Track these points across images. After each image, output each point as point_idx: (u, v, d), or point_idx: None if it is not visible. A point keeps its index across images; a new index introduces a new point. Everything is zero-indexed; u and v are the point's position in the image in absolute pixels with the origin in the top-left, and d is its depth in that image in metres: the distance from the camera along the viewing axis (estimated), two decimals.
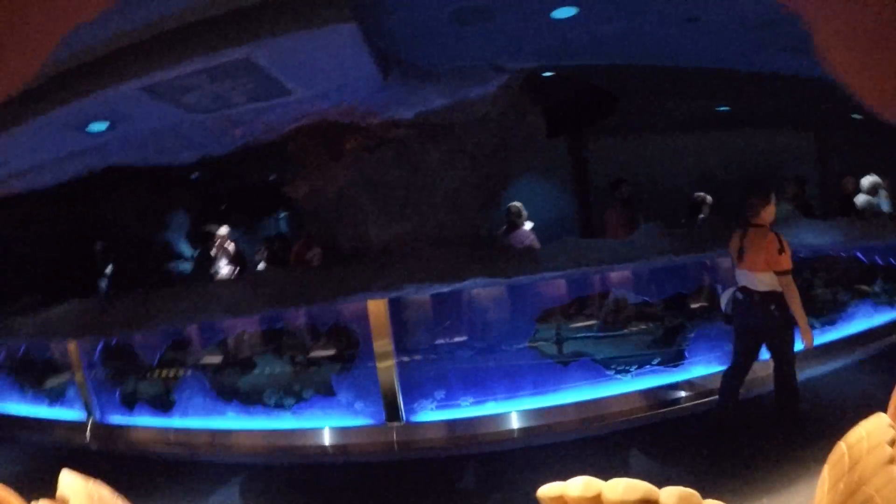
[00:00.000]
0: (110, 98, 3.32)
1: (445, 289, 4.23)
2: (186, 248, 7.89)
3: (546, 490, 0.42)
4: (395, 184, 4.14)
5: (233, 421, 4.75)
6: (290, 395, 4.52)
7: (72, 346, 5.47)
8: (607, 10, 3.74)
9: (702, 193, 5.25)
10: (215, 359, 4.57)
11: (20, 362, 6.06)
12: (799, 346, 3.50)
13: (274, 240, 6.57)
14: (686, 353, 4.58)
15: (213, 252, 5.89)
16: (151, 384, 4.91)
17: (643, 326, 4.37)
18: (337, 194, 4.18)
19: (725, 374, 3.74)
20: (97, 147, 4.13)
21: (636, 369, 4.58)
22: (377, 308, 4.27)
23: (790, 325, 3.44)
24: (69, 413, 5.77)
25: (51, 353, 5.82)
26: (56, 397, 5.82)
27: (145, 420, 5.16)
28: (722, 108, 6.89)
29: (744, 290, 3.56)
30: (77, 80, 3.39)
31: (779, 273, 3.36)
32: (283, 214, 8.17)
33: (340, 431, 4.46)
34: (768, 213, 3.50)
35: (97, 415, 5.53)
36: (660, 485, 0.47)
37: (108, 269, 8.03)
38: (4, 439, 5.95)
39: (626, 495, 0.42)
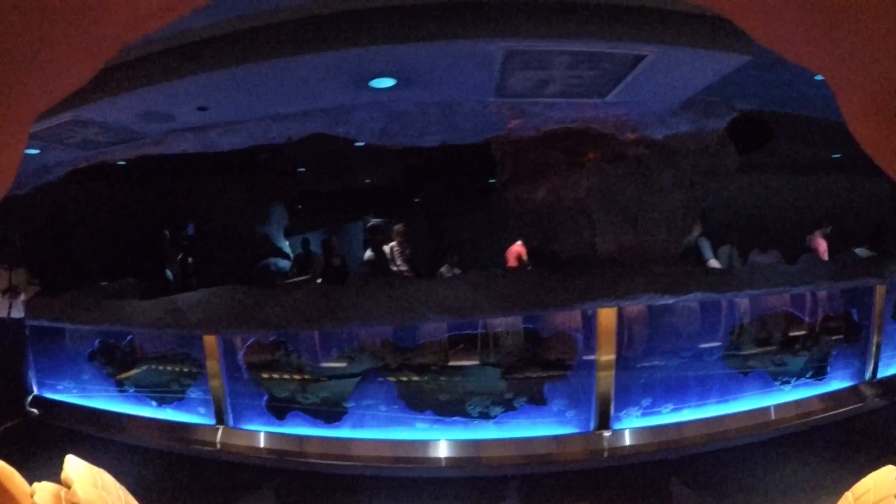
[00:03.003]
0: (431, 52, 2.60)
1: (671, 300, 3.98)
2: (285, 244, 6.65)
3: None
4: (629, 198, 3.82)
5: (422, 432, 4.04)
6: (498, 404, 3.92)
7: (211, 341, 4.31)
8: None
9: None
10: (411, 364, 3.80)
11: (119, 354, 4.62)
12: None
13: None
14: (828, 369, 4.78)
15: (388, 249, 4.96)
16: (318, 389, 3.97)
17: (802, 344, 4.48)
18: (574, 201, 3.75)
19: None
20: (330, 109, 3.26)
21: (795, 381, 4.67)
22: (607, 317, 3.87)
23: None
24: (186, 416, 4.52)
25: (168, 347, 4.51)
26: (170, 397, 4.52)
27: (299, 430, 4.17)
28: (836, 156, 7.14)
29: None
30: (384, 26, 2.59)
31: None
32: (373, 220, 7.21)
33: (550, 440, 3.95)
34: None
35: (230, 420, 4.40)
36: None
37: (181, 258, 6.49)
38: (99, 438, 4.47)
39: None
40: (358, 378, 3.76)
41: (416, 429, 3.71)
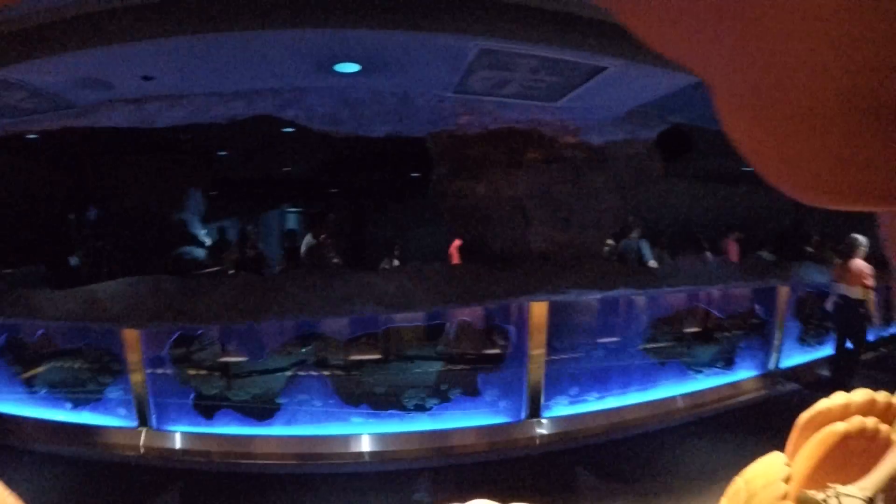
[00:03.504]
0: (402, 41, 2.59)
1: (599, 295, 4.19)
2: (201, 232, 6.26)
3: (828, 403, 0.42)
4: (563, 198, 4.00)
5: (357, 427, 3.93)
6: (434, 396, 3.92)
7: (131, 337, 3.99)
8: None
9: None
10: (343, 358, 3.72)
11: (28, 351, 4.14)
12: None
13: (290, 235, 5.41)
14: (735, 360, 5.22)
15: (321, 238, 4.75)
16: (248, 385, 3.78)
17: (714, 336, 4.87)
18: (511, 199, 3.86)
19: (838, 357, 4.66)
20: (283, 90, 3.15)
21: (706, 370, 5.05)
22: (539, 310, 3.99)
23: (867, 319, 4.56)
24: (105, 419, 4.15)
25: (83, 343, 4.10)
26: (87, 398, 4.12)
27: (229, 429, 3.96)
28: (748, 168, 7.99)
29: (843, 297, 4.58)
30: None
31: (865, 287, 4.47)
32: (291, 210, 6.92)
33: (484, 430, 4.01)
34: (858, 253, 4.53)
35: (154, 421, 4.11)
36: None
37: (89, 244, 5.90)
38: (4, 446, 3.98)
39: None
40: (290, 373, 3.69)
41: (352, 423, 3.69)
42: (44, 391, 4.08)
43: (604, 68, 2.54)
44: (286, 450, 3.66)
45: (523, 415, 3.90)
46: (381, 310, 3.51)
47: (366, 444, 3.68)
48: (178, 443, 3.79)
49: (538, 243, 3.90)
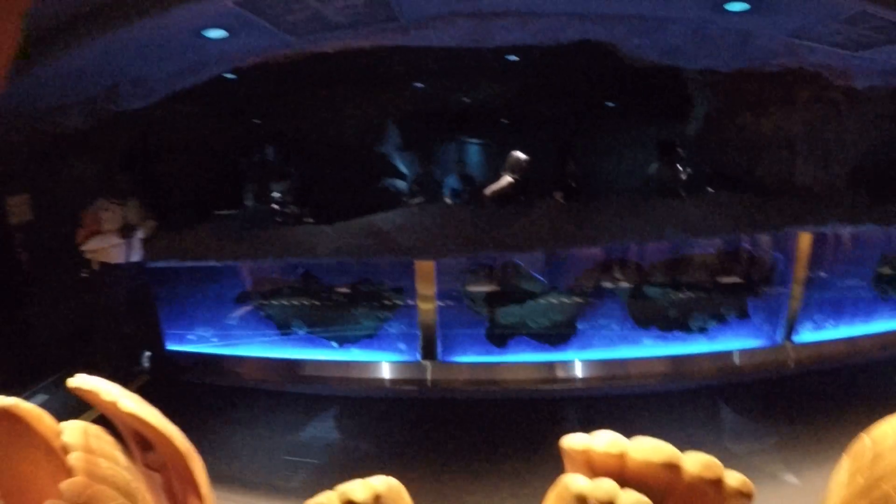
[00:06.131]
0: None
1: (851, 229, 4.59)
2: (402, 165, 6.12)
3: (571, 442, 0.42)
4: (824, 136, 4.34)
5: (646, 349, 4.16)
6: (714, 318, 4.21)
7: (426, 268, 3.94)
8: None
9: None
10: (642, 283, 3.91)
11: (290, 292, 3.96)
12: None
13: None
14: None
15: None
16: (550, 312, 3.90)
17: None
18: (783, 134, 4.15)
19: None
20: (648, 19, 3.19)
21: None
22: (805, 241, 4.36)
23: None
24: (381, 355, 4.08)
25: (352, 279, 3.97)
26: (353, 336, 4.03)
27: (522, 356, 4.04)
28: None
29: None
30: None
31: None
32: (475, 142, 6.75)
33: (747, 352, 4.34)
34: None
35: (440, 354, 4.10)
36: None
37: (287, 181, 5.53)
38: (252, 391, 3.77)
39: (651, 457, 0.39)
40: (588, 298, 3.87)
41: (642, 345, 3.93)
42: (303, 332, 4.03)
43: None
44: (584, 374, 3.86)
45: (779, 339, 4.28)
46: (688, 236, 3.75)
47: (650, 367, 3.94)
48: (466, 374, 3.90)
49: (801, 177, 4.25)
